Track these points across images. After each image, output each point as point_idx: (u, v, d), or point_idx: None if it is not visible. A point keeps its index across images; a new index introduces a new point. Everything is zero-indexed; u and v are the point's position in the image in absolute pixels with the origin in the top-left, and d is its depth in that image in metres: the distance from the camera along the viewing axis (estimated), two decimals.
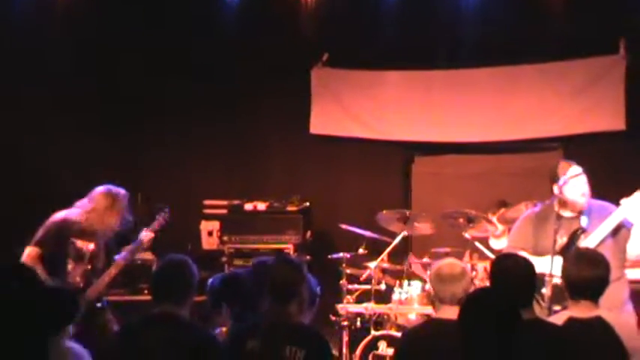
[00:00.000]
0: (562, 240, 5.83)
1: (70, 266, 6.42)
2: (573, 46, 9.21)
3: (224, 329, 5.41)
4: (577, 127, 9.28)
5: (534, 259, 5.79)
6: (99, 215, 6.51)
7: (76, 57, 9.74)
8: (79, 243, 6.48)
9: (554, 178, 5.94)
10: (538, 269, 5.72)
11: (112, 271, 6.59)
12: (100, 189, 6.60)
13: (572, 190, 5.90)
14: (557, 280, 5.41)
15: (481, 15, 9.43)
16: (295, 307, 4.68)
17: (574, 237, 5.83)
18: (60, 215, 6.49)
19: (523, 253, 5.90)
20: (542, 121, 9.42)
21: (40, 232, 6.43)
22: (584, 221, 5.84)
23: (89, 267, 6.48)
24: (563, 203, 5.93)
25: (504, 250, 6.30)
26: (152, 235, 6.88)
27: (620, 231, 5.81)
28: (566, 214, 5.95)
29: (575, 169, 5.93)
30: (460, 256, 7.96)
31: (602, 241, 5.72)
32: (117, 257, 6.73)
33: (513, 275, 4.50)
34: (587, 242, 5.76)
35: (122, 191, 6.67)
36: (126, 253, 6.73)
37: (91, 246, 6.52)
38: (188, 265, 4.72)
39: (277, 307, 4.66)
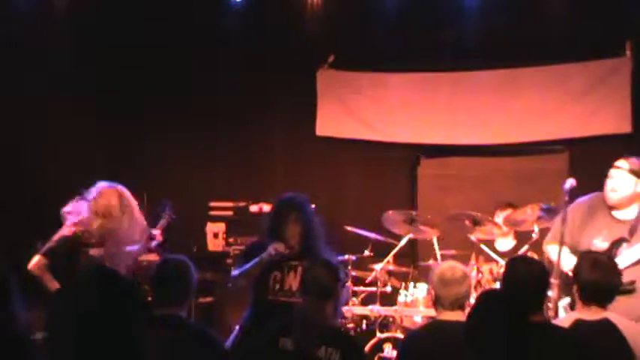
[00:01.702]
0: (603, 245, 5.72)
1: None
2: (579, 48, 9.20)
3: None
4: (583, 129, 9.26)
5: (570, 258, 5.70)
6: (108, 220, 6.51)
7: (77, 56, 9.73)
8: (93, 252, 6.48)
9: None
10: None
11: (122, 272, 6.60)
12: (103, 189, 6.58)
13: (608, 181, 5.82)
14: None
15: (485, 17, 9.42)
16: (331, 308, 4.71)
17: (615, 245, 5.70)
18: (71, 229, 6.47)
19: (555, 248, 5.81)
20: (548, 124, 9.40)
21: (51, 244, 6.42)
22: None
23: None
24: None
25: (547, 237, 6.20)
26: (159, 233, 6.92)
27: None
28: (617, 214, 5.83)
29: (621, 162, 5.81)
30: (466, 259, 7.97)
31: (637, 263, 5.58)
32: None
33: (526, 280, 4.47)
34: (626, 255, 5.59)
35: (119, 187, 6.66)
36: (136, 248, 6.77)
37: (100, 251, 6.53)
38: (186, 266, 4.71)
39: (313, 307, 4.68)
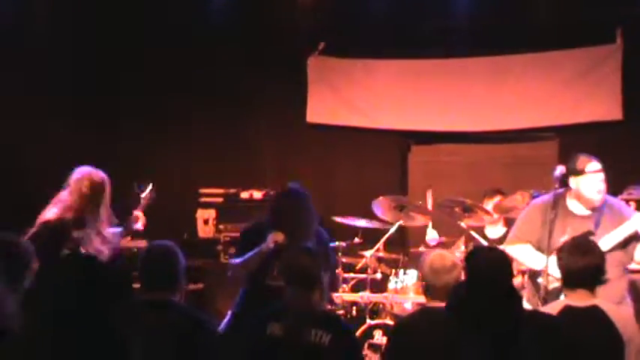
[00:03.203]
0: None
1: None
2: (570, 35, 9.20)
3: None
4: (573, 116, 9.27)
5: (537, 255, 5.77)
6: (86, 201, 6.53)
7: (74, 48, 9.73)
8: (75, 233, 6.48)
9: (573, 171, 5.83)
10: (539, 266, 5.71)
11: (105, 253, 6.60)
12: (77, 174, 6.60)
13: (589, 186, 5.79)
14: (556, 284, 5.41)
15: (476, 4, 9.41)
16: (317, 295, 4.72)
17: None
18: (51, 214, 6.48)
19: (525, 247, 5.88)
20: (538, 111, 9.41)
21: (33, 229, 6.42)
22: None
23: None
24: (577, 197, 5.86)
25: (509, 237, 6.23)
26: (141, 214, 6.88)
27: (630, 240, 5.73)
28: (578, 211, 5.87)
29: (595, 165, 5.81)
30: (454, 245, 7.98)
31: (611, 249, 5.60)
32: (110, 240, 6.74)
33: (489, 268, 4.50)
34: None
35: (100, 172, 6.68)
36: (117, 235, 6.76)
37: (82, 233, 6.53)
38: (174, 252, 4.70)
39: (300, 296, 4.68)
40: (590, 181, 5.80)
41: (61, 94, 9.62)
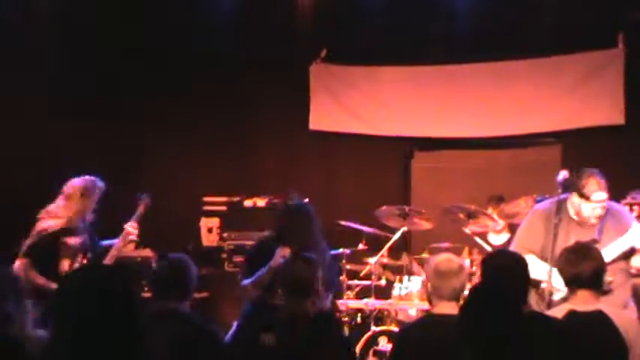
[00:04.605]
0: None
1: (66, 265, 6.46)
2: (571, 40, 9.21)
3: None
4: (576, 121, 9.28)
5: (541, 265, 5.76)
6: (74, 207, 6.57)
7: (76, 54, 9.72)
8: (70, 241, 6.51)
9: (579, 192, 5.79)
10: (543, 276, 5.69)
11: (107, 262, 6.61)
12: (73, 182, 6.67)
13: (590, 212, 5.79)
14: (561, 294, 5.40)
15: (478, 9, 9.42)
16: (311, 303, 4.75)
17: None
18: (43, 224, 6.52)
19: (529, 257, 5.89)
20: (541, 116, 9.42)
21: (27, 243, 6.49)
22: None
23: (84, 262, 6.51)
24: (576, 213, 5.84)
25: (511, 247, 6.23)
26: (136, 224, 6.87)
27: (631, 252, 5.75)
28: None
29: (601, 195, 5.75)
30: (459, 252, 7.98)
31: (613, 260, 5.61)
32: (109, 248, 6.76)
33: (507, 273, 4.52)
34: None
35: (95, 180, 6.74)
36: (116, 244, 6.76)
37: (79, 240, 6.56)
38: (187, 264, 4.75)
39: (294, 303, 4.71)
40: (593, 208, 5.79)
41: (61, 94, 9.62)
